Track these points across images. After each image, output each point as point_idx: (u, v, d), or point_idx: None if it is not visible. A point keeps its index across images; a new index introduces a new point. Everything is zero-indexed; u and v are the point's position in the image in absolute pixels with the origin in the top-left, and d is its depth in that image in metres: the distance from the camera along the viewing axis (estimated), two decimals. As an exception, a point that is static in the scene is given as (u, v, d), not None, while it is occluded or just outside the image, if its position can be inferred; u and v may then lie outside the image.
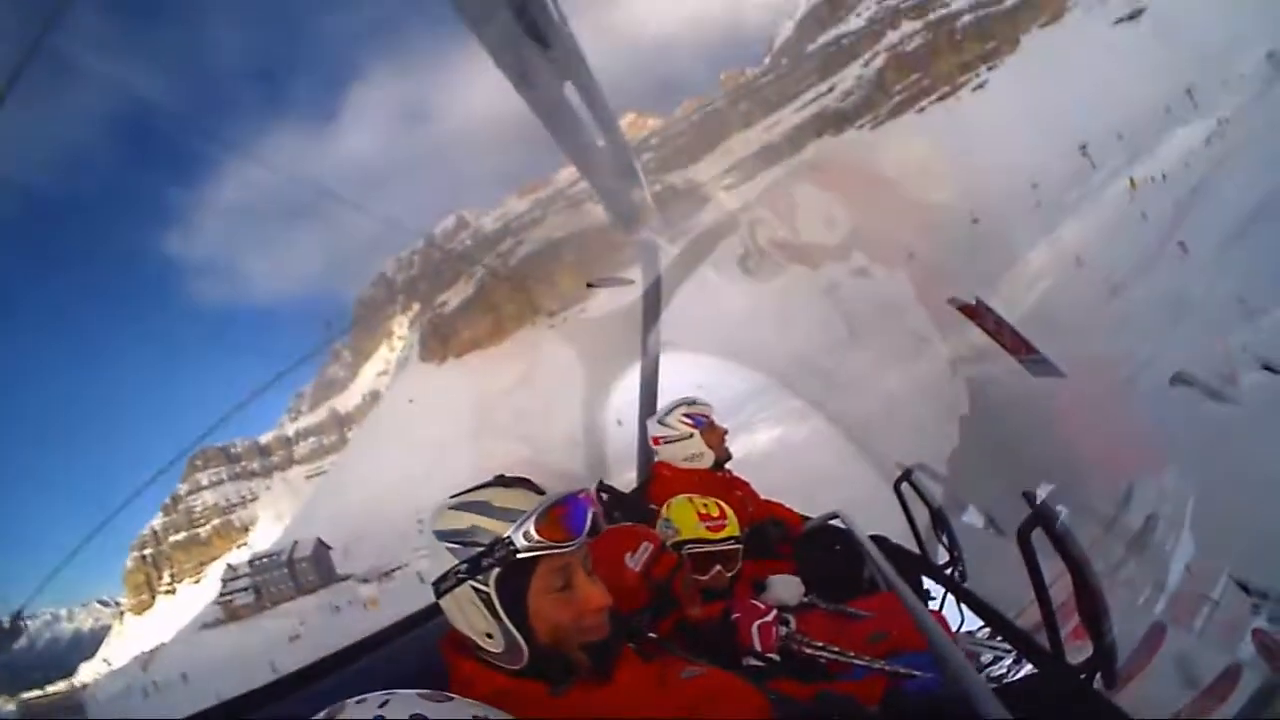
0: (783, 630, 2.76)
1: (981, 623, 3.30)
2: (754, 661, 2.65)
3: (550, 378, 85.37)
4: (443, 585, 1.87)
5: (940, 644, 2.40)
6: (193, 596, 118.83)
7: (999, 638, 3.13)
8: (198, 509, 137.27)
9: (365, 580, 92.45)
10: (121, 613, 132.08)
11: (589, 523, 1.88)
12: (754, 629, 2.71)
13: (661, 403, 4.86)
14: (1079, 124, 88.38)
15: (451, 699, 1.37)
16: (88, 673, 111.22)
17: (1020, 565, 2.80)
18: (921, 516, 4.63)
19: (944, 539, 4.36)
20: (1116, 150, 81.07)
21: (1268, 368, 16.46)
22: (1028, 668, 2.83)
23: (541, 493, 1.92)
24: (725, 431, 4.55)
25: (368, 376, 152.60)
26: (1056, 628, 2.74)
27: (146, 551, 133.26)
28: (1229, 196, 37.63)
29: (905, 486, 4.71)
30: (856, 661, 2.62)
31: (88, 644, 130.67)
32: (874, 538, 3.97)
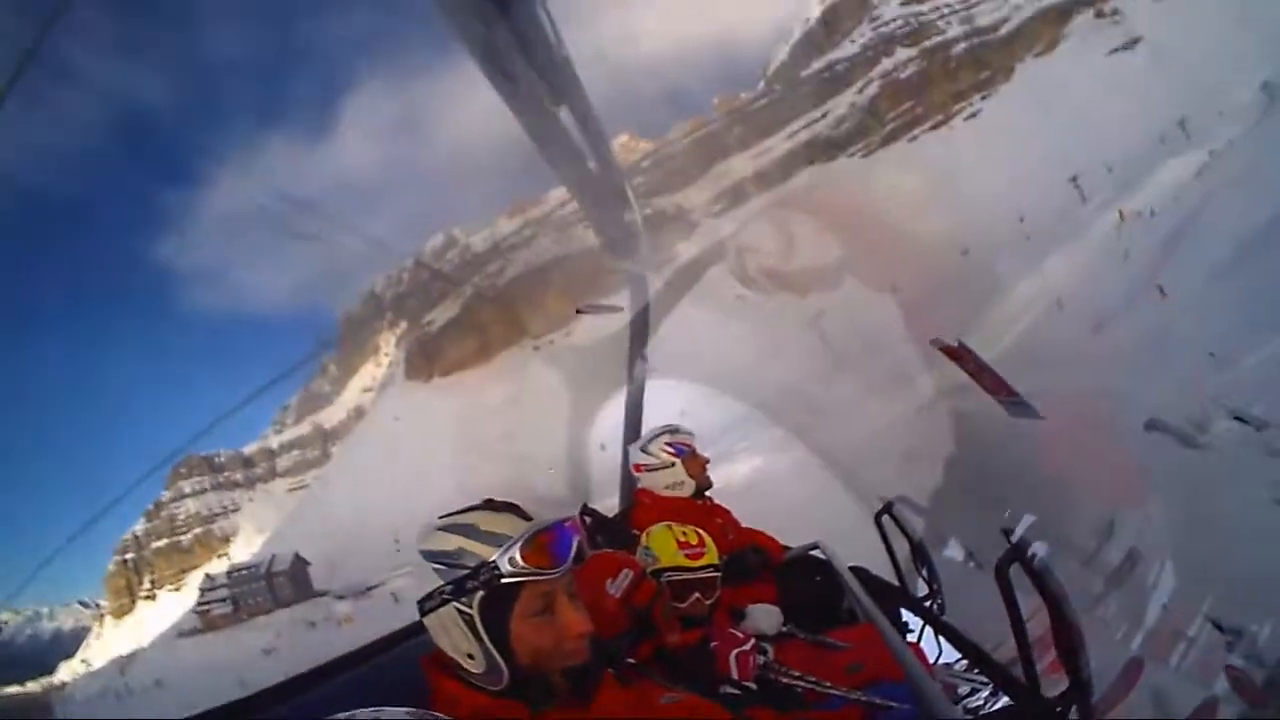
0: (760, 659, 2.78)
1: (959, 655, 3.32)
2: (731, 690, 2.66)
3: (535, 401, 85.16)
4: (427, 605, 1.89)
5: (916, 676, 2.42)
6: (172, 603, 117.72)
7: (976, 670, 3.15)
8: (180, 517, 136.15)
9: (341, 597, 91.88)
10: (102, 615, 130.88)
11: (573, 550, 1.90)
12: (732, 657, 2.72)
13: (646, 429, 4.86)
14: (1071, 154, 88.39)
15: (437, 718, 1.38)
16: (65, 672, 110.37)
17: (1000, 598, 2.83)
18: (902, 549, 4.65)
19: (923, 572, 4.37)
20: (1107, 182, 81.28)
21: (1238, 418, 16.65)
22: (1004, 700, 2.85)
23: (529, 518, 1.94)
24: (706, 460, 4.55)
25: (353, 392, 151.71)
26: (1032, 661, 2.76)
27: (128, 556, 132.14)
28: (1215, 234, 37.79)
29: (886, 519, 4.73)
30: (833, 692, 2.64)
31: (68, 643, 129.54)
32: (854, 569, 3.99)
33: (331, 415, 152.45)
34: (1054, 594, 2.73)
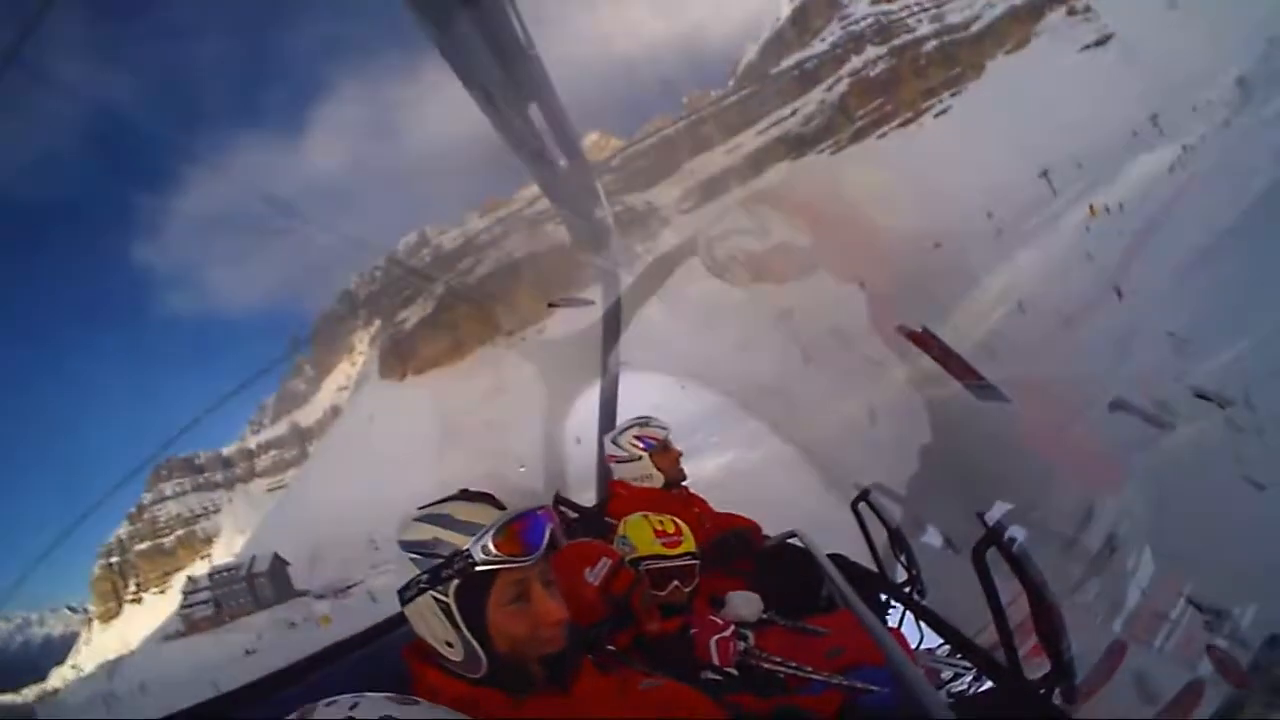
0: (741, 645, 2.77)
1: (941, 640, 3.32)
2: (712, 675, 2.66)
3: (510, 396, 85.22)
4: (406, 594, 1.89)
5: (897, 660, 2.42)
6: (158, 606, 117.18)
7: (958, 655, 3.15)
8: (162, 519, 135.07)
9: (321, 596, 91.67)
10: (90, 620, 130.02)
11: (546, 538, 1.89)
12: (712, 643, 2.73)
13: (620, 421, 4.85)
14: (1042, 150, 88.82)
15: (419, 703, 1.40)
16: (57, 679, 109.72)
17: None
18: (879, 536, 4.65)
19: (902, 558, 4.38)
20: (1078, 177, 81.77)
21: (1201, 395, 16.87)
22: (988, 684, 2.85)
23: (503, 508, 1.94)
24: (679, 454, 4.54)
25: (329, 391, 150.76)
26: (1013, 644, 2.77)
27: (113, 560, 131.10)
28: (1187, 228, 38.12)
29: (863, 506, 4.73)
30: (814, 677, 2.64)
31: (58, 650, 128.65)
32: (832, 556, 3.99)
33: (308, 414, 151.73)
34: (1032, 578, 2.74)
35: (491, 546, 1.81)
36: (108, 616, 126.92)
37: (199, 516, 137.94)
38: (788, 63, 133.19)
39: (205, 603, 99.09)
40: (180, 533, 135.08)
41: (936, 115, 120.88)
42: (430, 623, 1.86)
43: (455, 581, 1.82)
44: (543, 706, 1.85)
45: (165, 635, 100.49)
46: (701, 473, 4.56)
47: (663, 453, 4.44)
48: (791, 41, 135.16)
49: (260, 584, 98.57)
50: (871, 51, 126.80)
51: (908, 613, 3.62)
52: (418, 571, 1.87)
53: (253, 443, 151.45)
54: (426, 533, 1.89)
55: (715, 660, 2.69)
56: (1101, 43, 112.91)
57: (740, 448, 43.86)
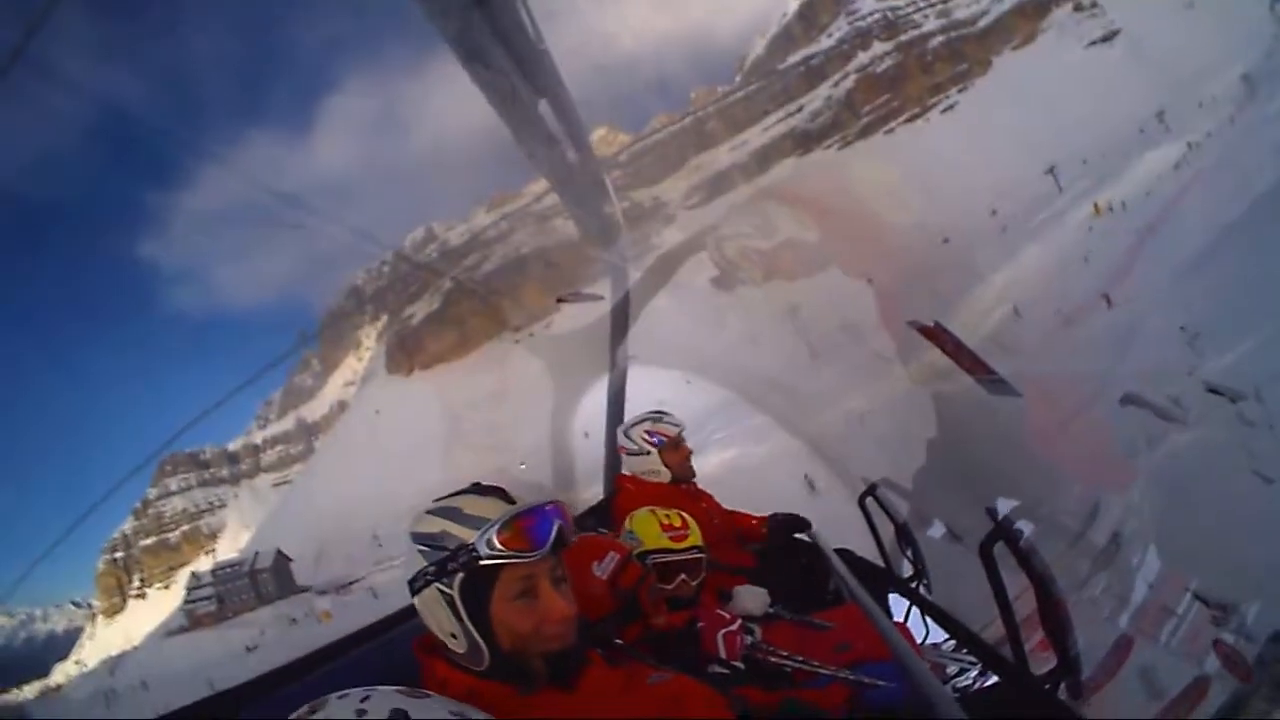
0: (748, 639, 2.77)
1: (947, 635, 3.32)
2: (719, 669, 2.66)
3: (517, 392, 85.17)
4: (414, 586, 1.89)
5: (904, 654, 2.42)
6: (162, 601, 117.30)
7: (964, 650, 3.15)
8: (167, 514, 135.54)
9: (323, 593, 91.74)
10: (94, 615, 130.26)
11: (553, 535, 1.89)
12: (719, 637, 2.72)
13: (629, 416, 4.83)
14: (1048, 146, 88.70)
15: (430, 696, 1.40)
16: (60, 675, 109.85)
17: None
18: (886, 531, 4.65)
19: (908, 553, 4.37)
20: (1084, 174, 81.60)
21: (1214, 390, 16.81)
22: (994, 679, 2.85)
23: (515, 502, 1.93)
24: (689, 452, 4.52)
25: (335, 386, 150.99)
26: (1020, 639, 2.76)
27: (118, 555, 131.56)
28: (1193, 223, 38.04)
29: (870, 501, 4.73)
30: (821, 670, 2.64)
31: (62, 645, 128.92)
32: (839, 551, 3.99)
33: (315, 409, 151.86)
34: (1039, 572, 2.74)
35: (496, 541, 1.81)
36: (112, 611, 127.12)
37: (204, 512, 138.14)
38: (794, 59, 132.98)
39: (208, 598, 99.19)
40: (185, 528, 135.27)
41: (943, 111, 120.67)
42: (436, 615, 1.87)
43: (460, 575, 1.83)
44: (549, 700, 1.85)
45: (168, 631, 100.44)
46: (705, 468, 4.54)
47: (672, 450, 4.42)
48: (798, 37, 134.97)
49: (263, 580, 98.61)
50: (878, 47, 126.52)
51: (914, 607, 3.62)
52: (425, 564, 1.87)
53: (259, 438, 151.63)
54: (435, 525, 1.89)
55: (722, 654, 2.69)
56: (1108, 39, 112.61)
57: (746, 442, 43.88)
